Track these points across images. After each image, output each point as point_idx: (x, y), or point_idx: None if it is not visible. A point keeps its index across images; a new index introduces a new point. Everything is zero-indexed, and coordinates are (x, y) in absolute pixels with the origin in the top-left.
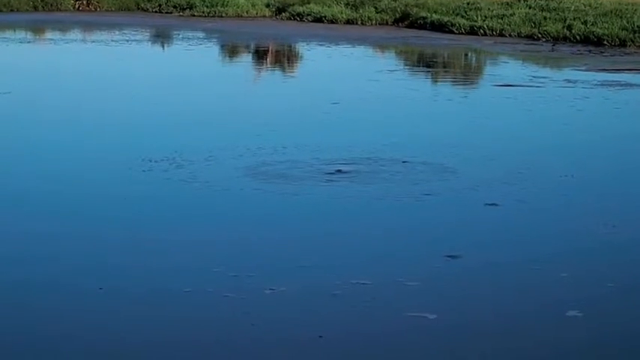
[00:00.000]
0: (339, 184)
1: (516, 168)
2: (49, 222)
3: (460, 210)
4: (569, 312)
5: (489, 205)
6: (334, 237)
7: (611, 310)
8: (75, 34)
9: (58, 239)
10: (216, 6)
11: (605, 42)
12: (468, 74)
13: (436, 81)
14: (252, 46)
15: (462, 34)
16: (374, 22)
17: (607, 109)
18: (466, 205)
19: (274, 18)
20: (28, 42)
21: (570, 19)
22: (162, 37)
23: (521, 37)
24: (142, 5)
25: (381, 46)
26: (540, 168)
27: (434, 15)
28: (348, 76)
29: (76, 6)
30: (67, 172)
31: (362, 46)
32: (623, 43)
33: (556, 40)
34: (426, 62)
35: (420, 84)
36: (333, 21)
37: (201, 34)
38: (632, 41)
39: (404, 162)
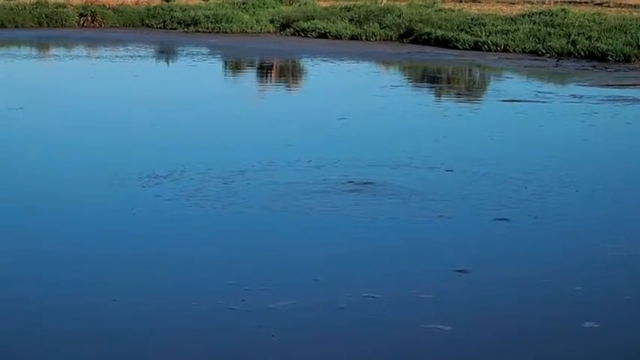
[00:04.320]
0: (350, 199)
1: (533, 183)
2: (52, 238)
3: (473, 225)
4: (585, 323)
5: (500, 219)
6: (346, 252)
7: (629, 321)
8: (79, 50)
9: (61, 255)
10: (221, 22)
11: (610, 57)
12: (473, 90)
13: (442, 96)
14: (257, 62)
15: (467, 49)
16: (378, 37)
17: (619, 124)
18: (481, 219)
19: (279, 34)
20: (33, 58)
21: (574, 35)
22: (166, 53)
23: (526, 52)
24: (147, 21)
25: (386, 61)
26: (557, 183)
27: (438, 31)
28: (354, 92)
29: (81, 22)
30: (70, 187)
31: (366, 62)
32: (627, 59)
33: (560, 55)
34: (430, 78)
35: (426, 99)
36: (337, 37)
37: (205, 50)
38: (637, 56)
39: (417, 176)
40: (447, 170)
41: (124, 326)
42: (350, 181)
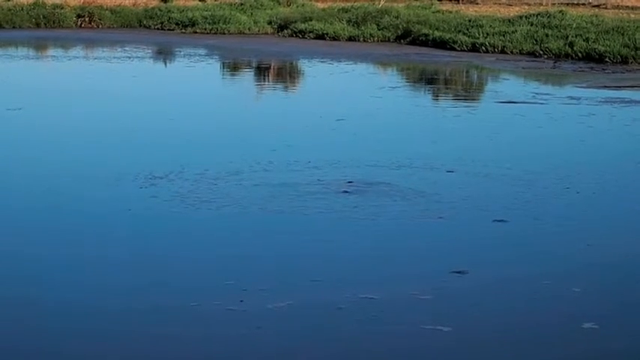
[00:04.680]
0: (350, 199)
1: (533, 184)
2: (49, 237)
3: (473, 226)
4: (585, 324)
5: (498, 221)
6: (344, 252)
7: (628, 322)
8: (77, 51)
9: (59, 254)
10: (219, 23)
11: (607, 59)
12: (471, 91)
13: (440, 98)
14: (254, 63)
15: (464, 51)
16: (376, 39)
17: (617, 126)
18: (481, 221)
19: (276, 35)
20: (31, 59)
21: (572, 36)
22: (164, 54)
23: (523, 54)
24: (144, 22)
25: (383, 62)
26: (557, 184)
27: (436, 32)
28: (351, 93)
29: (78, 23)
30: (71, 189)
31: (364, 63)
32: (624, 60)
33: (558, 57)
34: (428, 79)
35: (423, 101)
36: (335, 38)
37: (203, 51)
38: (634, 58)
39: (417, 177)
40: (447, 171)
41: (122, 326)
42: (349, 182)
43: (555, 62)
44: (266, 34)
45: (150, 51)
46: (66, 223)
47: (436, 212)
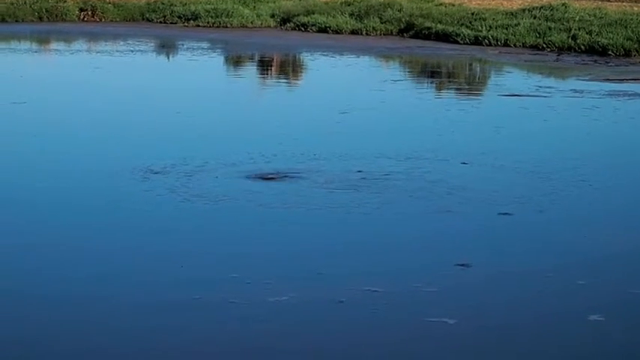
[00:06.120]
0: (356, 192)
1: (539, 177)
2: (52, 232)
3: (479, 219)
4: (590, 316)
5: (503, 214)
6: (349, 245)
7: (634, 314)
8: (80, 45)
9: (60, 248)
10: (221, 16)
11: (610, 52)
12: (474, 84)
13: (443, 91)
14: (257, 57)
15: (467, 44)
16: (378, 32)
17: (622, 119)
18: (488, 213)
19: (279, 28)
20: (35, 52)
21: (575, 29)
22: (166, 47)
23: (526, 47)
24: (147, 16)
25: (386, 56)
26: (565, 176)
27: (438, 25)
28: (354, 86)
29: (81, 16)
30: (74, 182)
31: (367, 56)
32: (627, 53)
33: (561, 50)
34: (431, 72)
35: (427, 94)
36: (337, 31)
37: (205, 45)
38: (637, 51)
39: (423, 170)
40: (462, 163)
41: (122, 318)
42: (358, 171)
43: (558, 55)
44: (269, 27)
45: (153, 44)
46: (67, 216)
47: (443, 205)
